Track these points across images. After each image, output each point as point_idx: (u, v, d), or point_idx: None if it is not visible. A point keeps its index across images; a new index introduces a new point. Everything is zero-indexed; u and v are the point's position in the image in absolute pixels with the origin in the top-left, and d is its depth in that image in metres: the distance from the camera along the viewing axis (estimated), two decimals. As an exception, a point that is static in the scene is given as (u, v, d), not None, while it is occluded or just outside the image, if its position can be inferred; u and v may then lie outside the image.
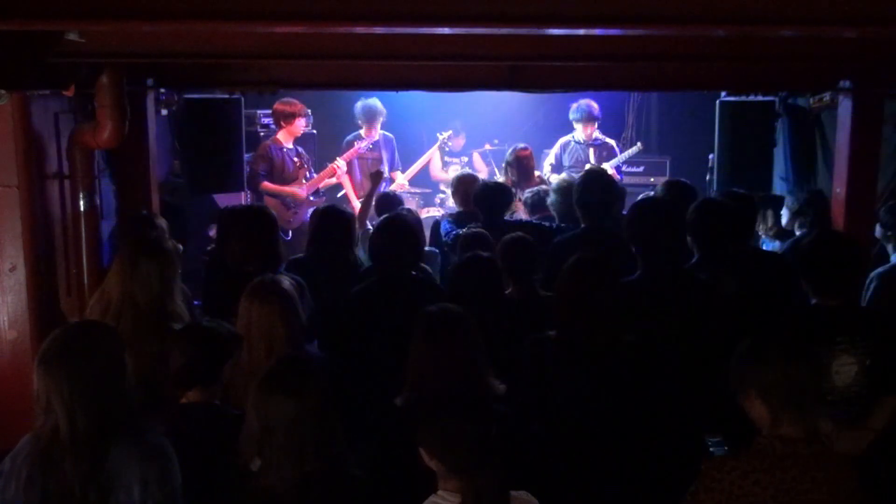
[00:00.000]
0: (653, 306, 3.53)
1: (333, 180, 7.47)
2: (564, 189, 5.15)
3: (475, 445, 2.36)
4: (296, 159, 7.31)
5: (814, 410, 2.47)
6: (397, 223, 4.01)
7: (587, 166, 7.23)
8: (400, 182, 7.68)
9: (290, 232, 7.15)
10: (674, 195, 4.73)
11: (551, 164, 7.52)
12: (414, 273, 4.03)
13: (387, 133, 7.83)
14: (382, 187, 7.33)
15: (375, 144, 7.69)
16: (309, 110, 7.41)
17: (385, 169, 7.66)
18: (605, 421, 3.09)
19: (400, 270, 3.90)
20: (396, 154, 7.96)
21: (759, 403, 2.45)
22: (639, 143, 7.68)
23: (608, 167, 7.22)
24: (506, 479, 2.32)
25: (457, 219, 5.53)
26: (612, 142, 7.60)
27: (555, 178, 7.21)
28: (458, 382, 2.73)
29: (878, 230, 4.49)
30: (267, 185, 7.23)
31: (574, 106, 7.44)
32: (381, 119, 7.60)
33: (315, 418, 2.47)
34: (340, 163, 7.40)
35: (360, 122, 7.66)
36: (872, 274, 4.20)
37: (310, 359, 2.81)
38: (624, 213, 5.27)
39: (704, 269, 3.90)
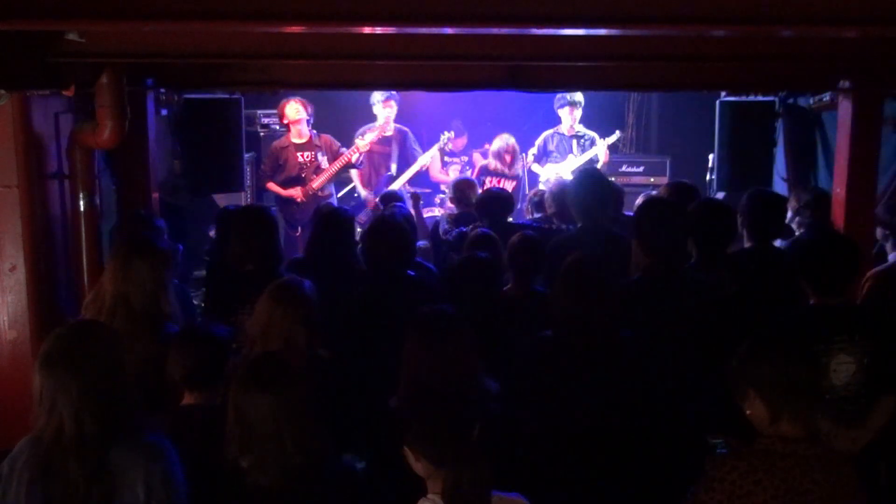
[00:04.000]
0: (652, 306, 3.53)
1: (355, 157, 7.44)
2: (558, 194, 5.21)
3: (450, 436, 2.37)
4: (301, 157, 7.30)
5: (813, 409, 2.47)
6: (387, 223, 4.02)
7: (569, 156, 7.60)
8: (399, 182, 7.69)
9: (300, 228, 7.18)
10: (677, 197, 4.72)
11: (534, 155, 7.82)
12: (412, 273, 4.03)
13: (401, 127, 7.76)
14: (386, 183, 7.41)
15: (387, 139, 7.63)
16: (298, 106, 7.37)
17: (393, 167, 7.64)
18: (603, 421, 3.09)
19: (394, 270, 3.90)
20: (412, 146, 7.79)
21: (758, 402, 2.46)
22: (617, 132, 7.82)
23: (592, 154, 7.55)
24: (487, 474, 2.32)
25: (456, 219, 5.55)
26: (593, 134, 7.79)
27: (536, 168, 7.74)
28: (451, 383, 2.73)
29: (878, 231, 4.49)
30: (271, 185, 7.30)
31: (557, 96, 7.64)
32: (393, 101, 7.54)
33: (293, 413, 2.47)
34: (362, 143, 7.31)
35: (374, 102, 7.59)
36: (868, 273, 4.20)
37: (284, 357, 2.80)
38: (626, 213, 5.30)
39: (704, 269, 3.90)
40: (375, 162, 7.68)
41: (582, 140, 7.69)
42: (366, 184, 7.72)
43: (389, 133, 7.64)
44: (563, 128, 7.76)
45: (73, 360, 2.38)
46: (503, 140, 7.41)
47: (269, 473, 2.45)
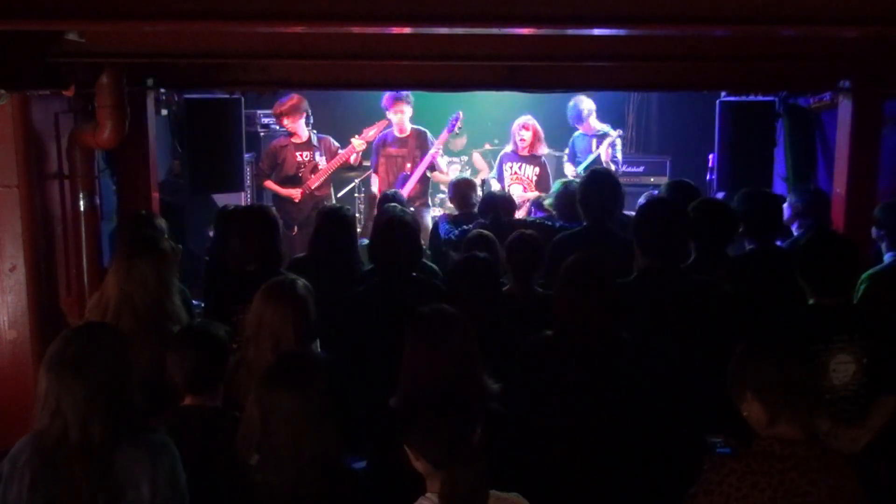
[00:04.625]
0: (650, 306, 3.53)
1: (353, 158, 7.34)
2: (562, 193, 5.21)
3: (452, 439, 2.36)
4: (300, 157, 7.28)
5: (811, 410, 2.47)
6: (396, 223, 4.01)
7: (590, 156, 7.56)
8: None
9: (296, 228, 7.16)
10: (677, 196, 4.73)
11: (567, 155, 7.85)
12: (414, 274, 4.03)
13: (420, 128, 7.51)
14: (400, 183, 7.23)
15: (402, 140, 7.43)
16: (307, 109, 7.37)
17: (408, 166, 7.38)
18: (603, 421, 3.09)
19: (400, 271, 3.90)
20: (431, 148, 7.39)
21: (756, 404, 2.45)
22: (619, 131, 7.81)
23: (594, 157, 7.52)
24: (484, 475, 2.32)
25: (455, 220, 5.55)
26: (614, 133, 7.71)
27: (569, 169, 7.69)
28: (451, 382, 2.73)
29: (873, 231, 4.49)
30: (269, 184, 7.29)
31: (570, 114, 7.66)
32: (405, 103, 7.30)
33: (314, 415, 2.48)
34: (360, 142, 7.25)
35: (386, 108, 7.40)
36: (864, 275, 4.19)
37: (312, 356, 2.82)
38: (625, 212, 5.31)
39: (702, 268, 3.90)
40: (395, 165, 7.43)
41: (601, 139, 7.62)
42: (385, 188, 7.42)
43: (405, 135, 7.43)
44: (586, 129, 7.71)
45: (80, 364, 2.37)
46: (519, 121, 7.29)
47: (281, 472, 2.45)
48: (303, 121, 7.28)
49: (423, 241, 5.23)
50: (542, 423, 3.11)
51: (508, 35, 4.01)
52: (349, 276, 4.22)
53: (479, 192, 6.68)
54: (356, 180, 8.28)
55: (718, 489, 2.39)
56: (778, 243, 4.65)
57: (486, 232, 4.42)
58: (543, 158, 7.42)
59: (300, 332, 3.15)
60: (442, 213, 7.14)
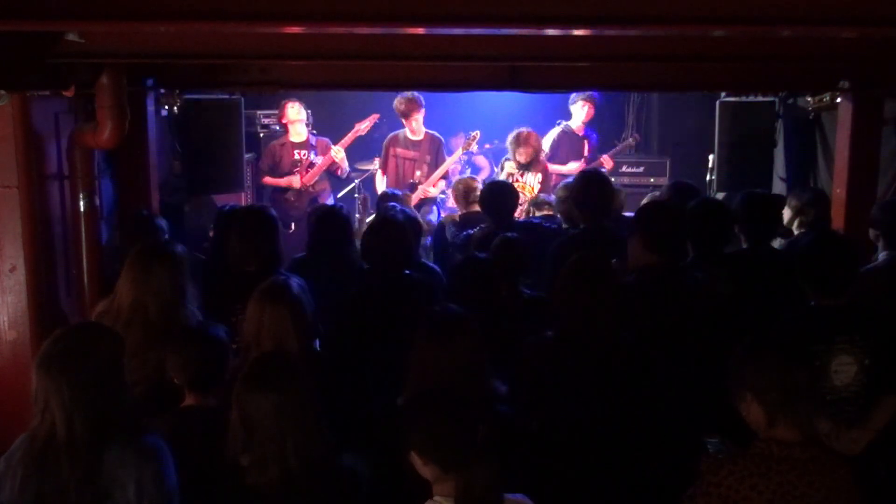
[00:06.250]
0: (650, 306, 3.53)
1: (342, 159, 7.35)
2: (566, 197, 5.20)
3: (464, 441, 2.36)
4: (297, 155, 7.31)
5: (810, 412, 2.47)
6: (388, 223, 4.01)
7: (583, 160, 7.39)
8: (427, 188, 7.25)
9: (293, 225, 7.18)
10: (678, 197, 4.73)
11: (545, 155, 7.48)
12: (408, 272, 4.03)
13: (435, 133, 7.40)
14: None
15: (417, 144, 7.33)
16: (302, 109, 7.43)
17: (418, 174, 7.24)
18: (604, 421, 3.09)
19: (393, 270, 3.90)
20: (446, 156, 7.36)
21: (755, 406, 2.45)
22: (635, 135, 7.70)
23: (606, 158, 7.29)
24: (498, 476, 2.32)
25: (461, 222, 5.54)
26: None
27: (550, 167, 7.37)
28: (460, 383, 2.73)
29: (871, 232, 4.49)
30: (267, 179, 7.42)
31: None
32: (416, 112, 7.20)
33: (295, 414, 2.48)
34: (338, 149, 7.34)
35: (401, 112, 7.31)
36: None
37: (289, 356, 2.81)
38: (624, 213, 5.30)
39: (701, 268, 3.90)
40: (404, 168, 7.32)
41: (593, 141, 7.40)
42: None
43: (419, 138, 7.32)
44: (574, 124, 7.52)
45: (67, 362, 2.38)
46: (513, 134, 7.02)
47: (269, 473, 2.46)
48: (303, 121, 7.36)
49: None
50: (544, 423, 3.12)
51: (509, 35, 4.00)
52: (348, 276, 4.22)
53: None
54: (356, 180, 8.28)
55: (716, 491, 2.39)
56: (778, 244, 4.64)
57: (492, 234, 4.41)
58: (546, 163, 7.22)
59: (300, 331, 3.15)
60: (443, 214, 7.11)
